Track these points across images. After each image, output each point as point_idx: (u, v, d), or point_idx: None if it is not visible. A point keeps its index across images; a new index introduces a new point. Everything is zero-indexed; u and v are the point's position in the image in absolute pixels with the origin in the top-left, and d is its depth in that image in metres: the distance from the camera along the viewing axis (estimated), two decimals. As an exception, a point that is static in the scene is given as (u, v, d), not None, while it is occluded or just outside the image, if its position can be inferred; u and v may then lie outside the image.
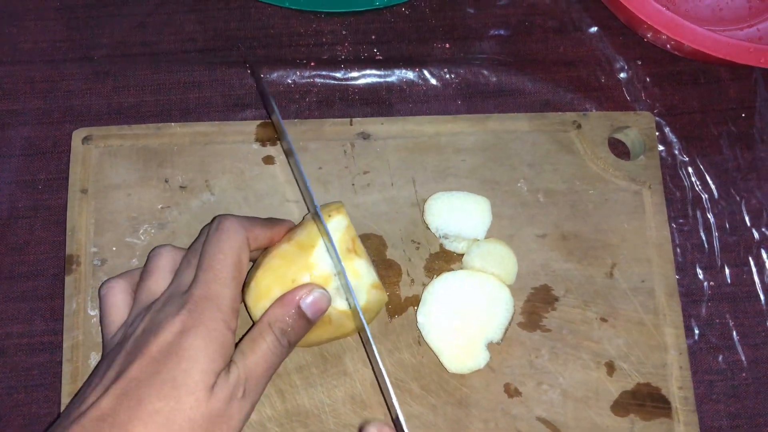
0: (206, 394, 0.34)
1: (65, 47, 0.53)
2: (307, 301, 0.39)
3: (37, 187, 0.50)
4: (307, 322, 0.39)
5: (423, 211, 0.47)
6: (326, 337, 0.42)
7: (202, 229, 0.42)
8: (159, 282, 0.40)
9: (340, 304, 0.40)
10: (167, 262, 0.40)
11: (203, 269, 0.38)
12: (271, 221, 0.42)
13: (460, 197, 0.47)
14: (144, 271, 0.41)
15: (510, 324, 0.45)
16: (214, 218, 0.40)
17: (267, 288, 0.40)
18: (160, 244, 0.42)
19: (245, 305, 0.42)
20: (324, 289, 0.39)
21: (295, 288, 0.39)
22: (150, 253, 0.41)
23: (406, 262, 0.47)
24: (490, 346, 0.45)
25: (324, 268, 0.40)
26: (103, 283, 0.41)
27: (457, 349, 0.44)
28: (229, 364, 0.36)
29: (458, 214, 0.46)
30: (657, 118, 0.52)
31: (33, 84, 0.52)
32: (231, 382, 0.36)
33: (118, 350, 0.37)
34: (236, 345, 0.38)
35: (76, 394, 0.38)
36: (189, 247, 0.41)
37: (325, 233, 0.40)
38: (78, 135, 0.49)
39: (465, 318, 0.44)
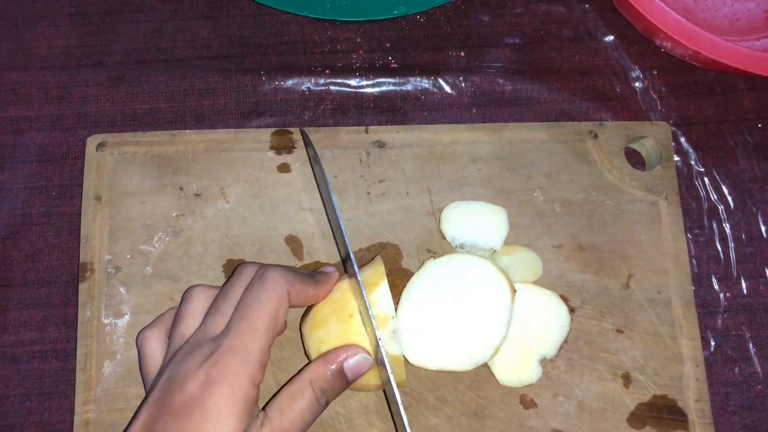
0: None
1: (79, 53, 0.53)
2: (351, 363, 0.38)
3: (51, 194, 0.49)
4: (345, 383, 0.38)
5: (439, 221, 0.47)
6: (374, 382, 0.40)
7: (235, 269, 0.40)
8: (191, 326, 0.38)
9: (393, 349, 0.39)
10: (199, 303, 0.39)
11: (237, 317, 0.36)
12: (317, 278, 0.40)
13: (477, 207, 0.47)
14: (176, 315, 0.39)
15: (565, 341, 0.44)
16: (254, 266, 0.39)
17: (324, 318, 0.40)
18: (193, 285, 0.40)
19: (300, 333, 0.42)
20: (367, 352, 0.39)
21: (339, 348, 0.39)
22: (183, 294, 0.40)
23: (422, 272, 0.47)
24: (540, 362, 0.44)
25: (383, 309, 0.39)
26: (139, 333, 0.40)
27: (511, 361, 0.43)
28: (263, 420, 0.35)
29: (475, 224, 0.46)
30: (673, 128, 0.52)
31: (47, 90, 0.52)
32: None
33: (145, 401, 0.36)
34: (274, 395, 0.37)
35: None
36: (220, 290, 0.40)
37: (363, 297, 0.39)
38: (92, 141, 0.49)
39: (521, 332, 0.44)
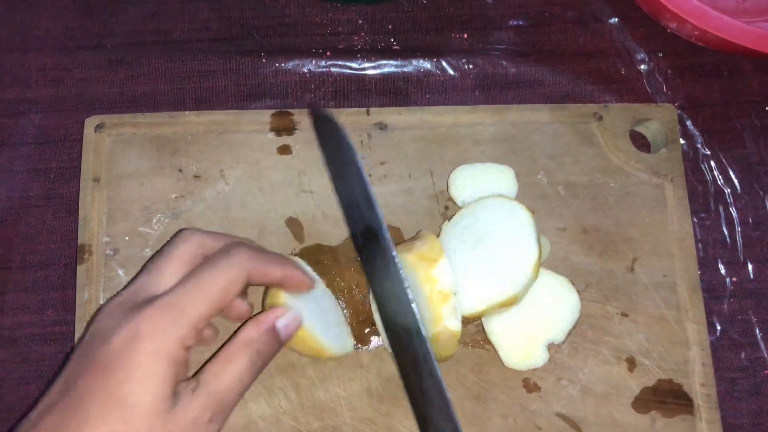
0: (162, 419, 0.32)
1: (78, 35, 0.52)
2: (283, 322, 0.38)
3: (49, 176, 0.49)
4: (279, 344, 0.38)
5: (448, 186, 0.47)
6: (311, 345, 0.40)
7: (176, 234, 0.40)
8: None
9: (453, 325, 0.39)
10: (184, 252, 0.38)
11: (191, 279, 0.35)
12: (277, 258, 0.40)
13: (483, 168, 0.47)
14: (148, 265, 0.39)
15: (574, 328, 0.44)
16: (204, 235, 0.39)
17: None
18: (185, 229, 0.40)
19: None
20: (295, 311, 0.39)
21: (269, 310, 0.38)
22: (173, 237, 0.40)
23: (424, 255, 0.46)
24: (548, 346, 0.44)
25: (445, 285, 0.40)
26: None
27: (518, 345, 0.43)
28: (195, 386, 0.34)
29: (483, 185, 0.46)
30: (679, 111, 0.51)
31: (45, 71, 0.51)
32: (196, 406, 0.33)
33: (71, 354, 0.34)
34: (205, 362, 0.36)
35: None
36: (158, 251, 0.39)
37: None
38: (91, 123, 0.48)
39: (529, 316, 0.43)
